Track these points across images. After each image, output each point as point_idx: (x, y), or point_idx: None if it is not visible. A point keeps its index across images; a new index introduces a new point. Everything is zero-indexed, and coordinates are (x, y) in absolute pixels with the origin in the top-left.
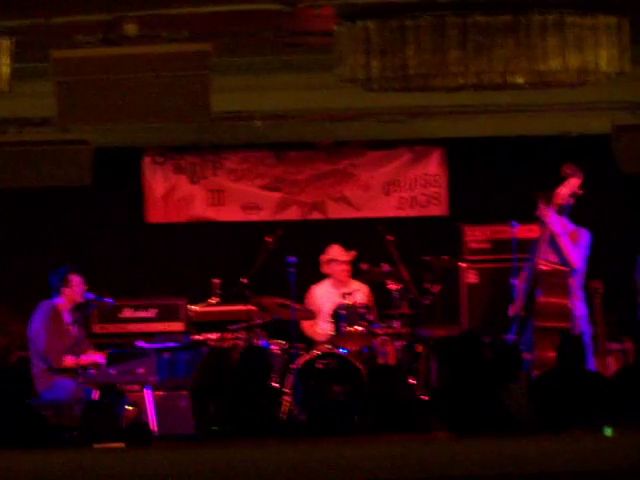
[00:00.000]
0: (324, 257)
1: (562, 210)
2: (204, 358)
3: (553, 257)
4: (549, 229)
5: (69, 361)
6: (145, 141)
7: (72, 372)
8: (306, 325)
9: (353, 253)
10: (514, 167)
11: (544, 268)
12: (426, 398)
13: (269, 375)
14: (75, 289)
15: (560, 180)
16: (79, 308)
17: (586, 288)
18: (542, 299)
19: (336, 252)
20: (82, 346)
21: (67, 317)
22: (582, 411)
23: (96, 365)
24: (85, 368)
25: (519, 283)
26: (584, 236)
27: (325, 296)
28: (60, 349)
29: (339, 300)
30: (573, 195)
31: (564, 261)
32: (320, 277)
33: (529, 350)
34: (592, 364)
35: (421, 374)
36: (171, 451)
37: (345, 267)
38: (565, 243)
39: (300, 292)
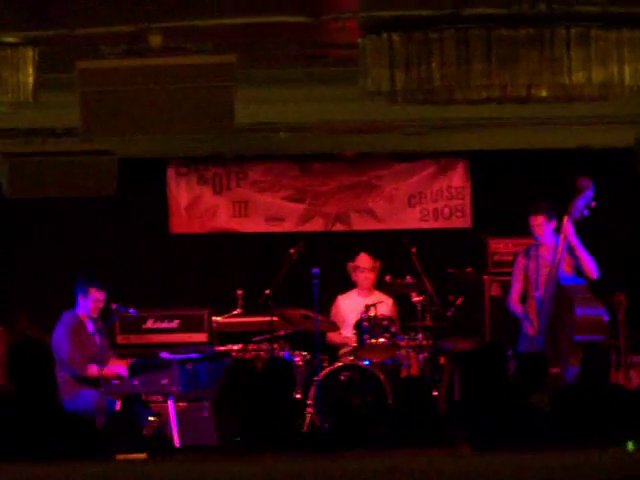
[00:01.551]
0: (351, 264)
1: (575, 223)
2: (227, 369)
3: (569, 269)
4: (566, 241)
5: (93, 370)
6: (169, 152)
7: (95, 383)
8: (333, 334)
9: (379, 263)
10: (537, 180)
11: (568, 284)
12: (448, 411)
13: (292, 387)
14: (91, 303)
15: (574, 193)
16: (102, 318)
17: (610, 300)
18: (580, 313)
19: (363, 260)
20: (106, 355)
21: (90, 326)
22: (604, 424)
23: (119, 377)
24: (108, 380)
25: (542, 299)
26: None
27: (351, 306)
28: (83, 357)
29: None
30: (587, 207)
31: (582, 272)
32: (344, 288)
33: (555, 364)
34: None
35: (444, 387)
36: (193, 462)
37: (370, 275)
38: (583, 254)
39: (323, 304)
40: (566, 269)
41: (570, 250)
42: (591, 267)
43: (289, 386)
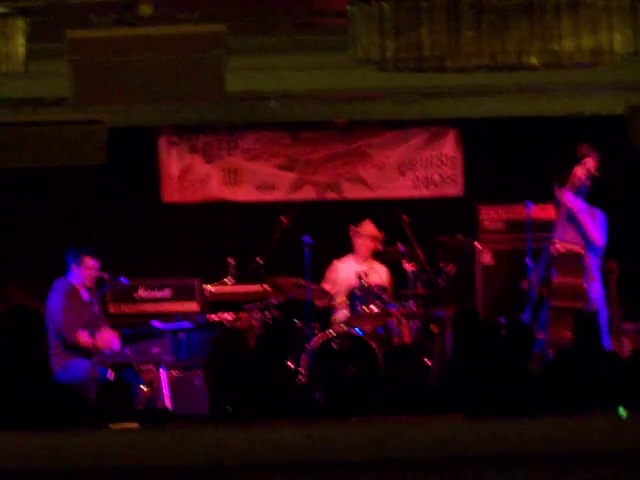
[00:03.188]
0: (355, 229)
1: (578, 191)
2: (216, 338)
3: (573, 237)
4: (566, 209)
5: (83, 337)
6: (160, 121)
7: (87, 352)
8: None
9: (382, 234)
10: (529, 147)
11: (560, 249)
12: (440, 379)
13: (284, 355)
14: (86, 272)
15: (575, 160)
16: (96, 286)
17: (602, 269)
18: (557, 279)
19: (367, 227)
20: (99, 324)
21: (85, 294)
22: (597, 392)
23: (110, 348)
24: (99, 349)
25: (536, 263)
26: (600, 216)
27: (347, 271)
28: (75, 324)
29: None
30: (589, 176)
31: (586, 239)
32: (336, 256)
33: (544, 330)
34: (608, 345)
35: (436, 354)
36: (185, 431)
37: (370, 244)
38: (585, 220)
39: (315, 272)
40: (570, 237)
41: (571, 218)
42: (593, 234)
43: (281, 354)
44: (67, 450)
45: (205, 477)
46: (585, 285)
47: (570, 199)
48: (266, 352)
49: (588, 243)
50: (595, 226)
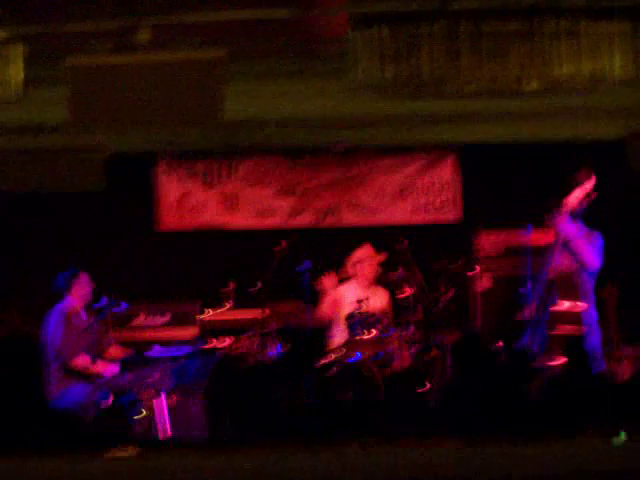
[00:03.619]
0: (354, 256)
1: (575, 214)
2: (216, 363)
3: (568, 262)
4: (562, 236)
5: (83, 361)
6: (159, 147)
7: (86, 377)
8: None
9: (383, 255)
10: (528, 172)
11: (557, 273)
12: (440, 404)
13: (284, 380)
14: (84, 287)
15: (573, 185)
16: (96, 310)
17: (601, 292)
18: (555, 305)
19: (367, 252)
20: (105, 343)
21: (83, 317)
22: (594, 415)
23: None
24: (98, 374)
25: (533, 288)
26: (597, 239)
27: (348, 296)
28: (75, 348)
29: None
30: (586, 199)
31: (580, 264)
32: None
33: (542, 355)
34: (604, 369)
35: (435, 379)
36: (184, 456)
37: (374, 268)
38: (579, 246)
39: (314, 297)
40: (565, 262)
41: (566, 244)
42: (588, 258)
43: (281, 379)
44: (66, 476)
45: None
46: (583, 310)
47: (566, 225)
48: (266, 377)
49: (583, 267)
50: (591, 250)
